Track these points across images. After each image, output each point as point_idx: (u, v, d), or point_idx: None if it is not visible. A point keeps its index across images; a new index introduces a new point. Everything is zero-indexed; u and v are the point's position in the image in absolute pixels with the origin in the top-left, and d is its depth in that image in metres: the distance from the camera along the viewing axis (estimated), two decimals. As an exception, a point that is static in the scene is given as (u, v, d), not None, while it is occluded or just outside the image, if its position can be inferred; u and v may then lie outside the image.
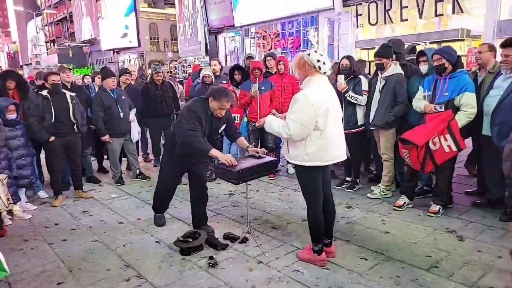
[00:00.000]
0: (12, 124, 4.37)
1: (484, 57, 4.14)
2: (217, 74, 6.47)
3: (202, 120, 3.43)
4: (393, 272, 2.97)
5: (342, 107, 4.67)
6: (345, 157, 3.11)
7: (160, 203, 4.08)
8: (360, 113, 4.74)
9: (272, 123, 2.99)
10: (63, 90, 4.88)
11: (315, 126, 2.80)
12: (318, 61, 2.82)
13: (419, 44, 12.15)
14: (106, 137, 5.41)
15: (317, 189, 3.01)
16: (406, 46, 5.17)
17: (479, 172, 4.57)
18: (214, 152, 3.39)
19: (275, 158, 3.92)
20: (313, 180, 2.98)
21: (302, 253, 3.24)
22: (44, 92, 4.73)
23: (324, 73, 2.87)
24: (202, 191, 3.82)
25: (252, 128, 5.68)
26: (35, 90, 5.57)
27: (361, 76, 4.77)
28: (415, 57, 4.61)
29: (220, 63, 6.94)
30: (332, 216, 3.20)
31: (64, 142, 4.81)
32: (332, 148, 2.89)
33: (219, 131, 3.77)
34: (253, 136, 5.73)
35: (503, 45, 3.68)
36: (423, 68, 4.27)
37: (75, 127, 4.85)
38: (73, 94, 4.98)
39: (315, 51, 2.88)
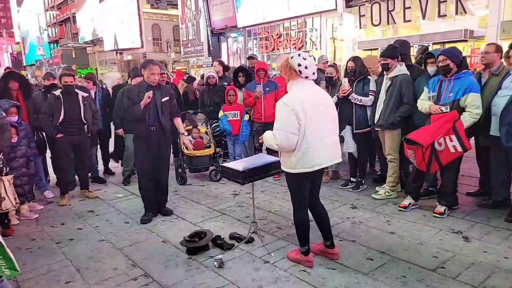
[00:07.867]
0: (14, 126, 4.38)
1: (490, 58, 4.09)
2: (219, 75, 6.56)
3: (134, 97, 4.06)
4: (399, 273, 2.98)
5: (353, 109, 4.71)
6: (333, 163, 3.02)
7: (147, 198, 4.26)
8: (369, 113, 4.75)
9: (267, 137, 2.92)
10: (76, 91, 4.91)
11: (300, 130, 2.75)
12: (299, 65, 2.77)
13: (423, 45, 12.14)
14: (120, 131, 5.57)
15: (302, 193, 3.00)
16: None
17: (481, 173, 4.56)
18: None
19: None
20: (298, 184, 2.96)
21: (291, 253, 3.25)
22: (57, 92, 4.79)
23: (306, 77, 2.82)
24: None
25: (256, 129, 5.69)
26: (42, 90, 5.59)
27: (370, 77, 4.78)
28: None
29: (222, 64, 7.01)
30: (324, 217, 3.18)
31: (73, 142, 4.85)
32: (316, 153, 2.79)
33: (165, 103, 4.21)
34: (258, 136, 5.73)
35: None
36: (431, 69, 4.27)
37: (85, 127, 4.89)
38: (85, 94, 5.01)
39: (299, 55, 2.83)
